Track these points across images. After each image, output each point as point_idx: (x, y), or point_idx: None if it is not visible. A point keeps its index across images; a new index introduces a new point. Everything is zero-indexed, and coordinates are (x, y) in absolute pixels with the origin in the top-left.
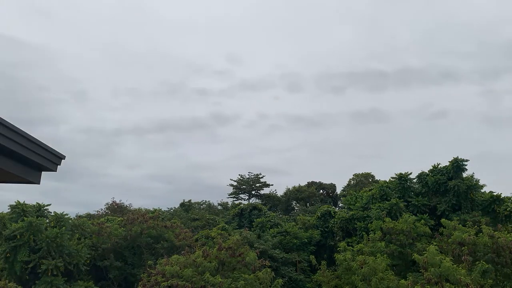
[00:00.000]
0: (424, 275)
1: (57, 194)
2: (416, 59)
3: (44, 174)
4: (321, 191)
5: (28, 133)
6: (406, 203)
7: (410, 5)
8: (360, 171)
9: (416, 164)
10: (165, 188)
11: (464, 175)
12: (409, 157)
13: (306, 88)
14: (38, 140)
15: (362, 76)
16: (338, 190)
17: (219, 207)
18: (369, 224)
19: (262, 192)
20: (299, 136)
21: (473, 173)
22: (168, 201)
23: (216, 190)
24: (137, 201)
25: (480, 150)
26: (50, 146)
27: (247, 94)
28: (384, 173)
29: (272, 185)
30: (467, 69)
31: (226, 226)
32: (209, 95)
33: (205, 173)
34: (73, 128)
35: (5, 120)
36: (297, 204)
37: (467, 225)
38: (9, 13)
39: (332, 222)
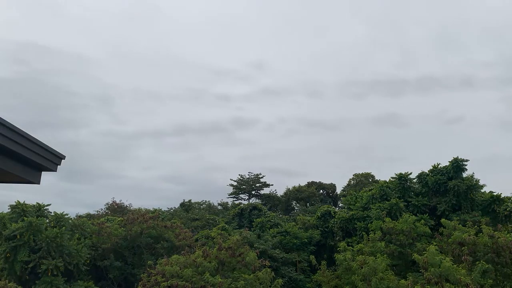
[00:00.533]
0: (424, 275)
1: (71, 196)
2: (436, 66)
3: (59, 176)
4: (321, 191)
5: (52, 135)
6: (406, 203)
7: (433, 12)
8: (377, 174)
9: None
10: (178, 189)
11: (464, 175)
12: (423, 160)
13: (326, 94)
14: (38, 140)
15: (382, 83)
16: (338, 190)
17: (219, 207)
18: (369, 224)
19: (262, 192)
20: (315, 139)
21: (473, 173)
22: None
23: (228, 190)
24: (150, 203)
25: (493, 152)
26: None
27: (268, 99)
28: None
29: (272, 185)
30: (486, 75)
31: (226, 226)
32: (230, 100)
33: (218, 174)
34: (94, 131)
35: (5, 120)
36: (297, 204)
37: (467, 225)
38: (45, 23)
39: (332, 222)
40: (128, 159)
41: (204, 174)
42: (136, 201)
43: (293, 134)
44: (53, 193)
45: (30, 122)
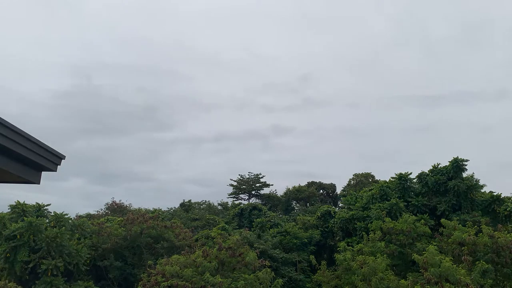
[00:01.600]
0: (424, 275)
1: (97, 198)
2: (473, 80)
3: (89, 179)
4: (321, 191)
5: (95, 142)
6: (406, 203)
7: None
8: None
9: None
10: (202, 191)
11: (464, 175)
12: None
13: (363, 105)
14: (38, 140)
15: (418, 97)
16: (338, 190)
17: (219, 207)
18: (369, 224)
19: (262, 192)
20: (347, 145)
21: (473, 173)
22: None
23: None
24: (175, 204)
25: None
26: (51, 147)
27: (308, 109)
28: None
29: (272, 185)
30: None
31: (226, 226)
32: (273, 111)
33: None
34: (136, 137)
35: (5, 120)
36: (297, 204)
37: (467, 225)
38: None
39: (332, 222)
40: (161, 163)
41: (230, 177)
42: (158, 203)
43: (326, 140)
44: (81, 195)
45: (83, 130)
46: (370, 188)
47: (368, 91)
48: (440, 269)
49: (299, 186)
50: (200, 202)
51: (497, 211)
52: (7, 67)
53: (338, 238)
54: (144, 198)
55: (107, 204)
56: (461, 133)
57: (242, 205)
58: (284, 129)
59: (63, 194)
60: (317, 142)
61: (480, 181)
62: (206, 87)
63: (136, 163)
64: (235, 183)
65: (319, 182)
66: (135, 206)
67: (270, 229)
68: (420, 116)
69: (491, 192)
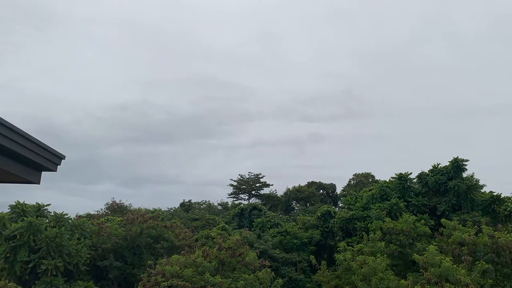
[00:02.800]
0: (424, 275)
1: (124, 199)
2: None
3: (118, 182)
4: (321, 191)
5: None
6: (406, 203)
7: None
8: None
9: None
10: (223, 191)
11: (464, 175)
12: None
13: (400, 115)
14: (38, 140)
15: (455, 108)
16: (338, 190)
17: (219, 207)
18: (369, 224)
19: (262, 192)
20: (377, 149)
21: (473, 173)
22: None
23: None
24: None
25: None
26: (51, 146)
27: (348, 119)
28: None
29: (272, 185)
30: None
31: (226, 226)
32: (313, 121)
33: (272, 180)
34: (177, 144)
35: (5, 120)
36: (297, 204)
37: (467, 225)
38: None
39: (332, 222)
40: (193, 167)
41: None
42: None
43: (361, 147)
44: (108, 197)
45: (126, 137)
46: (370, 188)
47: (403, 100)
48: (440, 269)
49: (299, 186)
50: (200, 202)
51: (497, 211)
52: (75, 82)
53: (338, 238)
54: (169, 200)
55: (107, 204)
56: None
57: (242, 205)
58: (320, 137)
59: (92, 196)
60: (351, 149)
61: (480, 181)
62: (251, 97)
63: (169, 167)
64: (235, 183)
65: (319, 182)
66: (135, 206)
67: (270, 229)
68: (454, 126)
69: (491, 192)
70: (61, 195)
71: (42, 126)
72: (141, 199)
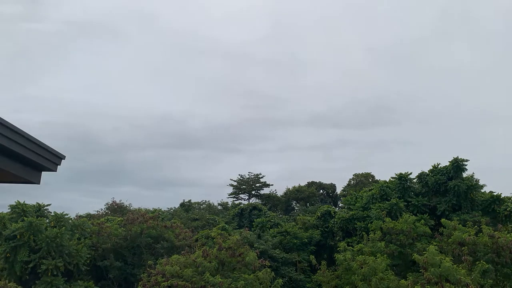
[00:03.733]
0: (424, 275)
1: (141, 200)
2: None
3: (143, 185)
4: (321, 191)
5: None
6: (406, 203)
7: None
8: None
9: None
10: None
11: (464, 175)
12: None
13: (433, 121)
14: (38, 140)
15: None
16: (338, 190)
17: (219, 207)
18: (369, 224)
19: (262, 192)
20: (404, 155)
21: (473, 173)
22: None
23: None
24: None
25: None
26: (50, 146)
27: (378, 128)
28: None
29: (272, 185)
30: None
31: (226, 226)
32: (341, 127)
33: (291, 181)
34: (205, 150)
35: (5, 120)
36: (297, 204)
37: (467, 225)
38: None
39: (332, 222)
40: (218, 171)
41: (273, 181)
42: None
43: (384, 151)
44: (131, 198)
45: (158, 144)
46: (370, 188)
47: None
48: (440, 269)
49: (299, 186)
50: (200, 202)
51: (497, 211)
52: (122, 93)
53: (338, 238)
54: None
55: (107, 204)
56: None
57: (242, 205)
58: (347, 142)
59: (115, 198)
60: (376, 153)
61: (479, 181)
62: (284, 105)
63: (195, 171)
64: (235, 183)
65: (319, 182)
66: (135, 206)
67: (270, 229)
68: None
69: (491, 192)
70: (82, 197)
71: (80, 133)
72: (160, 200)
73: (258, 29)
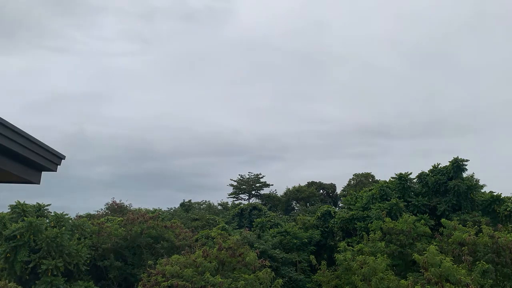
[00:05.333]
0: (424, 275)
1: (176, 203)
2: None
3: (177, 188)
4: (321, 191)
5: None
6: (406, 203)
7: None
8: None
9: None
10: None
11: (464, 175)
12: None
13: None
14: (38, 140)
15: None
16: (338, 190)
17: (219, 207)
18: (369, 224)
19: (262, 192)
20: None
21: (473, 173)
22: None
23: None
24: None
25: None
26: (51, 146)
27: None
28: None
29: (272, 185)
30: None
31: (226, 226)
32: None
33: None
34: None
35: (5, 120)
36: (297, 204)
37: (467, 225)
38: None
39: (332, 222)
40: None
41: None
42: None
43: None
44: (165, 201)
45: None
46: (370, 188)
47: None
48: (440, 269)
49: (299, 186)
50: (200, 202)
51: (497, 211)
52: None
53: (338, 238)
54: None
55: (107, 204)
56: None
57: (242, 205)
58: (388, 148)
59: (151, 201)
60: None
61: (480, 181)
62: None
63: (217, 177)
64: (235, 183)
65: (319, 182)
66: (135, 206)
67: (270, 229)
68: None
69: (491, 192)
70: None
71: (139, 143)
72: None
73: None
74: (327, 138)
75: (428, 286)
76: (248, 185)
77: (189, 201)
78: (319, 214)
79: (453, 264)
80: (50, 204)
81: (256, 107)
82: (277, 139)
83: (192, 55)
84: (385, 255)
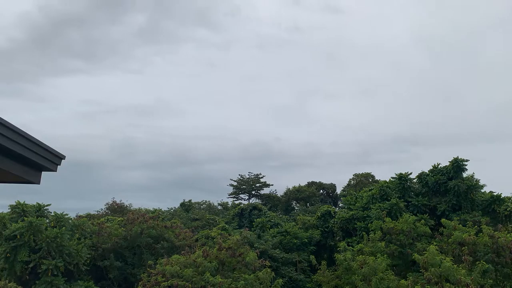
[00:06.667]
0: (424, 275)
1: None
2: None
3: (205, 190)
4: (321, 191)
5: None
6: (406, 203)
7: None
8: None
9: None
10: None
11: (464, 175)
12: None
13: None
14: (38, 140)
15: None
16: (338, 190)
17: (219, 207)
18: (369, 224)
19: (262, 192)
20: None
21: (473, 173)
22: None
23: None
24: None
25: None
26: (51, 146)
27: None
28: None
29: (272, 185)
30: None
31: (226, 226)
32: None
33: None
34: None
35: (5, 120)
36: (297, 204)
37: (467, 225)
38: None
39: (332, 222)
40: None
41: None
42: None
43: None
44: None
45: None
46: (370, 188)
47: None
48: (440, 269)
49: (299, 186)
50: (200, 202)
51: (497, 211)
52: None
53: (338, 238)
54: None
55: (107, 204)
56: None
57: (242, 205)
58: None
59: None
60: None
61: (480, 181)
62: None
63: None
64: (235, 183)
65: (319, 182)
66: (135, 206)
67: (270, 229)
68: None
69: (491, 192)
70: (148, 201)
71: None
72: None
73: None
74: (359, 146)
75: (428, 286)
76: (248, 185)
77: (189, 201)
78: (319, 214)
79: (453, 264)
80: (50, 204)
81: (295, 118)
82: (312, 146)
83: (247, 78)
84: (385, 255)
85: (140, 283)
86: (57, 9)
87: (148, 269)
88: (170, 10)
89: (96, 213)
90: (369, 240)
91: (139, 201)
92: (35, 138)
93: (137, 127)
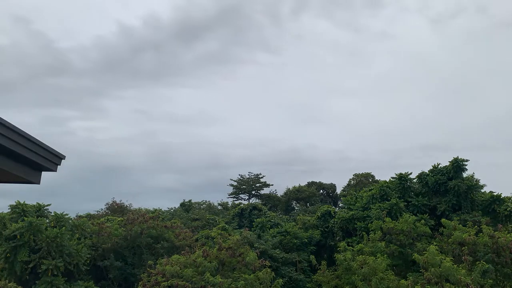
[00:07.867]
0: (424, 275)
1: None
2: None
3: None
4: (321, 191)
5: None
6: (406, 203)
7: None
8: None
9: None
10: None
11: (464, 175)
12: None
13: None
14: (38, 140)
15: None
16: (338, 190)
17: (219, 207)
18: (369, 224)
19: (262, 192)
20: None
21: (473, 173)
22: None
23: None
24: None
25: None
26: (50, 146)
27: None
28: None
29: (272, 185)
30: None
31: (226, 226)
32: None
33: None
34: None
35: (5, 120)
36: (297, 204)
37: (467, 225)
38: None
39: (332, 222)
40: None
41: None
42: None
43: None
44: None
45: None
46: (370, 188)
47: None
48: (440, 269)
49: (299, 186)
50: (200, 202)
51: (497, 211)
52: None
53: (338, 238)
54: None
55: (107, 204)
56: None
57: (242, 205)
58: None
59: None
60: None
61: (480, 181)
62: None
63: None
64: (235, 183)
65: (319, 182)
66: (135, 206)
67: (270, 229)
68: None
69: (491, 192)
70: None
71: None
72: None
73: None
74: (391, 152)
75: (428, 286)
76: (248, 185)
77: (189, 201)
78: (319, 214)
79: (453, 264)
80: (50, 204)
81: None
82: (342, 152)
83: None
84: (385, 255)
85: (140, 283)
86: (140, 35)
87: (148, 269)
88: (241, 38)
89: (96, 213)
90: (369, 240)
91: (162, 203)
92: (35, 138)
93: (175, 134)
